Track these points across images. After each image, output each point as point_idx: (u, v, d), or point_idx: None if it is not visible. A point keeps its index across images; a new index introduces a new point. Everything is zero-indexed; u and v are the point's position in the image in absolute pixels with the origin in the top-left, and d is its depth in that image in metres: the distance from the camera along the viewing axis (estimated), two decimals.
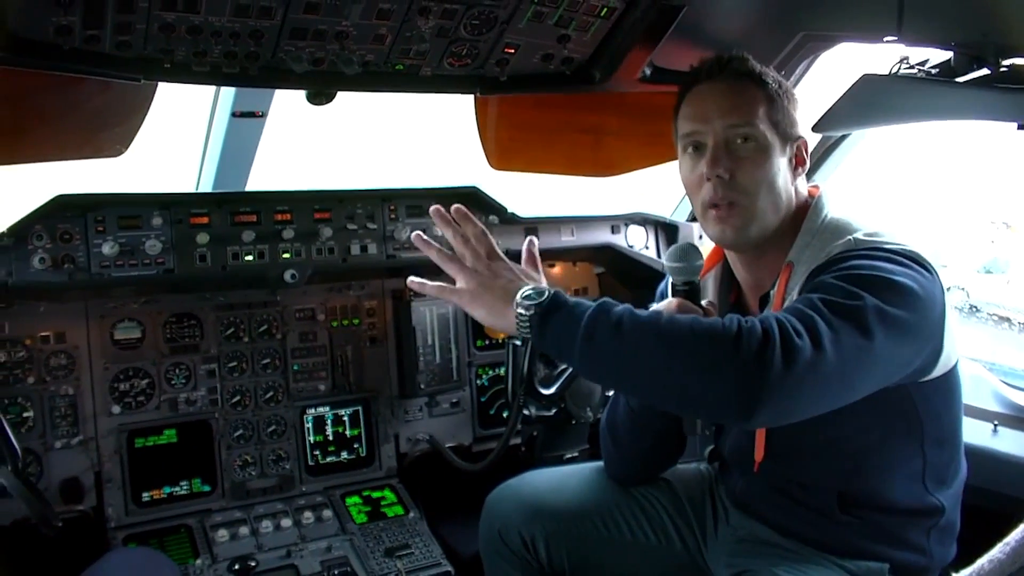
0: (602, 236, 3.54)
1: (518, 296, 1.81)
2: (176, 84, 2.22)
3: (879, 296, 1.68)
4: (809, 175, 2.18)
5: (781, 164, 2.00)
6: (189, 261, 2.80)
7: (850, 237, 1.87)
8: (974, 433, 2.75)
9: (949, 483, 2.04)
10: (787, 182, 2.02)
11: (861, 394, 1.71)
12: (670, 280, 2.04)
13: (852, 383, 1.68)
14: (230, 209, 2.86)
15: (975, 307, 3.31)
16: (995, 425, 2.81)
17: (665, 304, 1.99)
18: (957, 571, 2.03)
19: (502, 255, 2.04)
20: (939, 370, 1.90)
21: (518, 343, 2.88)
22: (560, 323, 1.74)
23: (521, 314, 1.79)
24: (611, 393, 2.41)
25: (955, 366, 1.97)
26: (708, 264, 2.22)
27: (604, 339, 1.67)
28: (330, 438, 3.28)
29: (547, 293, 1.79)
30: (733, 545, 2.24)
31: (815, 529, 2.05)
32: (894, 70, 2.24)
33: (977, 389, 2.90)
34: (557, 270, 3.75)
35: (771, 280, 2.04)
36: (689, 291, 2.00)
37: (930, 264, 1.83)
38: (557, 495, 2.42)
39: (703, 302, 2.05)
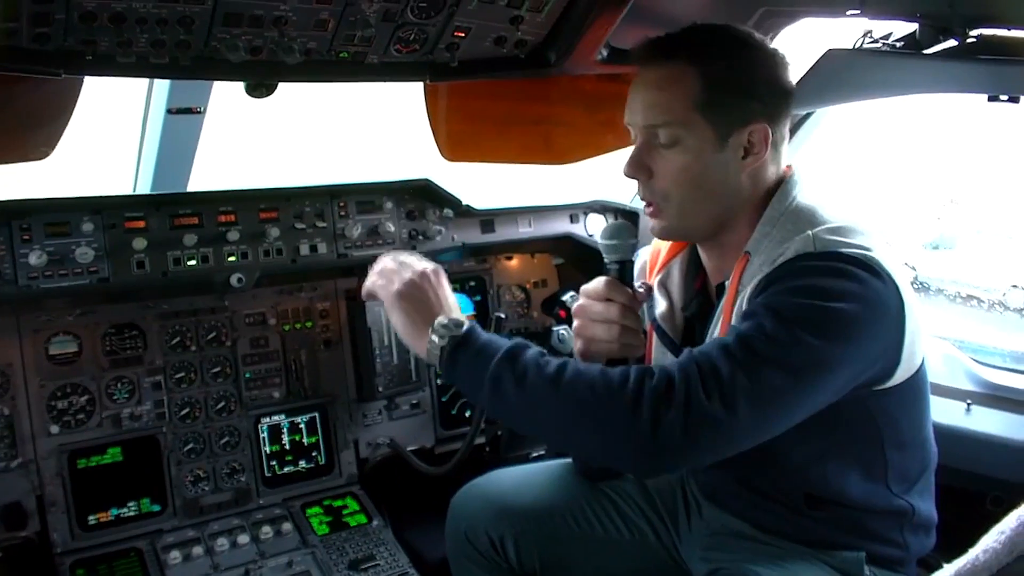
0: (561, 226, 3.45)
1: (435, 322, 1.83)
2: (102, 78, 2.05)
3: (816, 332, 1.62)
4: None
5: (716, 161, 1.87)
6: (125, 269, 2.64)
7: (808, 233, 1.76)
8: (947, 414, 2.72)
9: (915, 482, 1.98)
10: (728, 178, 1.89)
11: (784, 429, 1.67)
12: (603, 256, 1.98)
13: (770, 428, 1.66)
14: (169, 212, 2.70)
15: (925, 284, 3.29)
16: (968, 404, 2.77)
17: (596, 282, 1.95)
18: (940, 558, 2.03)
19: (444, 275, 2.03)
20: (898, 378, 1.82)
21: None
22: (469, 362, 1.75)
23: (433, 341, 1.81)
24: None
25: (920, 367, 1.89)
26: (676, 248, 2.14)
27: (508, 388, 1.67)
28: (287, 447, 3.14)
29: (464, 327, 1.80)
30: (707, 539, 2.17)
31: (787, 523, 1.98)
32: (858, 44, 2.17)
33: (948, 368, 2.86)
34: (515, 263, 3.64)
35: (730, 266, 1.94)
36: (620, 270, 1.96)
37: (886, 270, 1.72)
38: (524, 493, 2.35)
39: (637, 284, 2.01)
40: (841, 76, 2.19)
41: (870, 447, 1.89)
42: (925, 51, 2.05)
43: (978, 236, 3.52)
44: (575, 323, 2.00)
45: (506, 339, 1.77)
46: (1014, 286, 3.17)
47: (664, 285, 2.15)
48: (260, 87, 2.15)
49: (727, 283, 1.91)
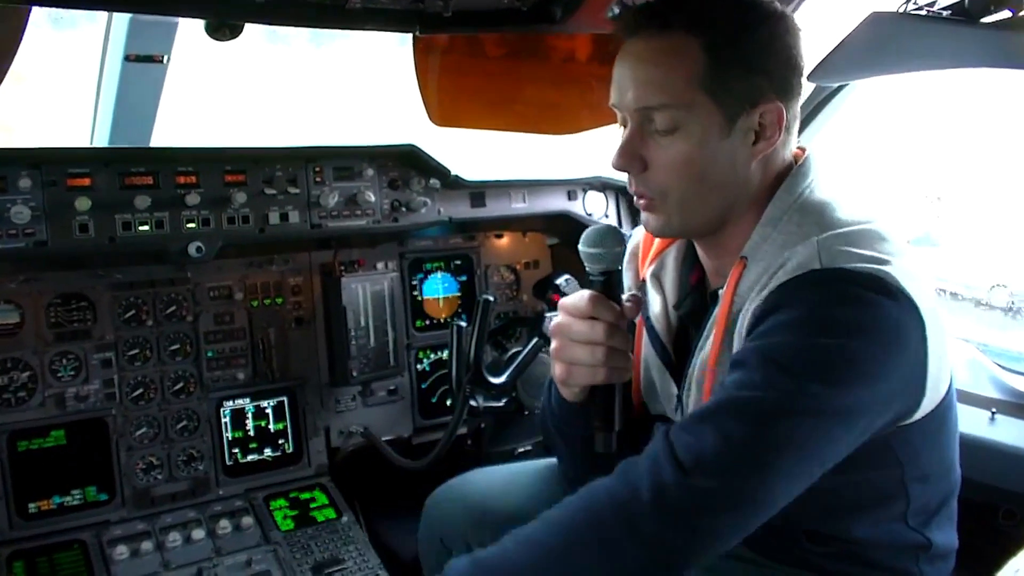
0: (557, 203, 3.19)
1: None
2: (42, 7, 1.76)
3: (823, 378, 1.43)
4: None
5: (722, 148, 1.59)
6: (66, 232, 2.35)
7: (814, 241, 1.53)
8: (970, 423, 2.49)
9: (936, 513, 1.75)
10: (736, 168, 1.62)
11: (805, 488, 1.49)
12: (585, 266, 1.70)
13: (789, 493, 1.47)
14: (119, 169, 2.41)
15: None
16: (992, 413, 2.56)
17: (577, 298, 1.67)
18: None
19: None
20: (924, 409, 1.58)
21: (463, 323, 2.53)
22: None
23: None
24: None
25: (947, 394, 1.65)
26: (667, 240, 1.88)
27: None
28: (251, 433, 2.88)
29: None
30: (712, 563, 1.93)
31: (789, 554, 1.76)
32: (902, 9, 1.92)
33: (972, 374, 2.64)
34: (505, 241, 3.39)
35: (729, 269, 1.69)
36: (606, 282, 1.68)
37: (903, 290, 1.47)
38: (506, 496, 2.14)
39: (624, 296, 1.72)
40: (886, 43, 1.91)
41: (888, 484, 1.66)
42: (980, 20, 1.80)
43: (963, 233, 3.41)
44: (553, 344, 1.72)
45: None
46: (997, 285, 3.08)
47: (657, 277, 1.90)
48: (223, 27, 1.86)
49: (720, 292, 1.67)
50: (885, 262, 1.48)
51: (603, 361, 1.66)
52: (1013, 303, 3.09)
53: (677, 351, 1.87)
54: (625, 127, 1.66)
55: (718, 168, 1.61)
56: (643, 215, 1.71)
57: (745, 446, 1.41)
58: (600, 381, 1.69)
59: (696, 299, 1.84)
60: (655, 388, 1.91)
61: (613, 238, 1.68)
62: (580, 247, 1.69)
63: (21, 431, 2.54)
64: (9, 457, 2.52)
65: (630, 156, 1.63)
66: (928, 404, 1.58)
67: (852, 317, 1.44)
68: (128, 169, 2.42)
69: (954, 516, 1.82)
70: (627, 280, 1.93)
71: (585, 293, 1.68)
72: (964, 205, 3.43)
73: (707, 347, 1.70)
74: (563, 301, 1.71)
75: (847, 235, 1.53)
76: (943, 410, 1.65)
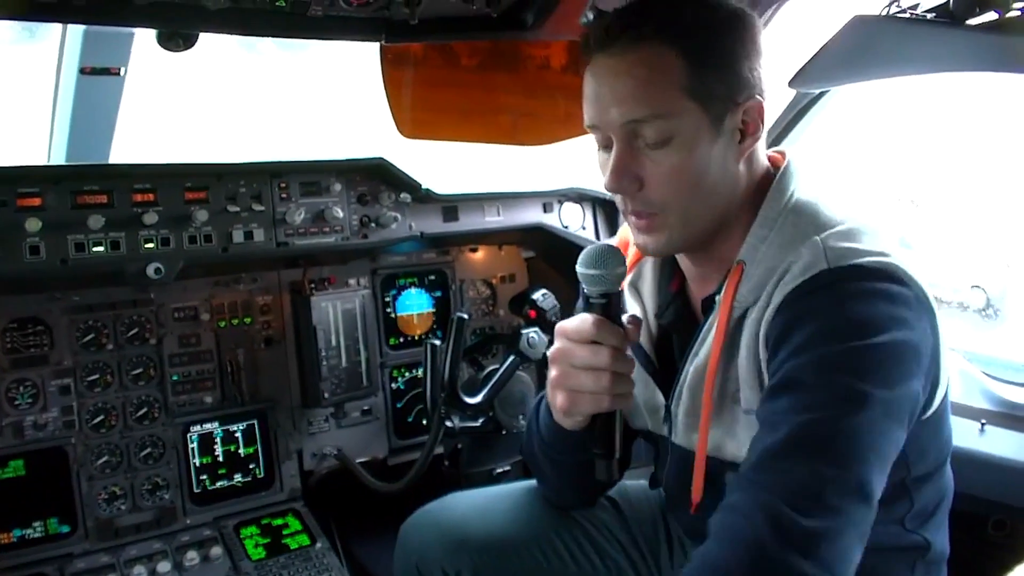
0: (532, 215, 3.11)
1: None
2: None
3: (871, 379, 1.40)
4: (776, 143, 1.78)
5: (713, 152, 1.56)
6: (16, 254, 2.24)
7: (816, 240, 1.51)
8: (959, 435, 2.44)
9: (934, 513, 1.73)
10: (727, 170, 1.59)
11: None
12: (582, 288, 1.62)
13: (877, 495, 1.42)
14: (71, 187, 2.30)
15: None
16: (982, 424, 2.51)
17: (579, 322, 1.58)
18: None
19: None
20: (933, 405, 1.58)
21: (436, 342, 2.45)
22: None
23: None
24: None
25: (947, 390, 1.65)
26: None
27: None
28: (220, 459, 2.77)
29: None
30: None
31: None
32: (884, 12, 1.87)
33: (962, 385, 2.59)
34: (480, 255, 3.30)
35: (719, 276, 1.65)
36: (607, 305, 1.58)
37: (910, 276, 1.48)
38: (484, 521, 2.06)
39: (625, 316, 1.64)
40: (869, 47, 1.86)
41: (894, 485, 1.59)
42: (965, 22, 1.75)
43: (937, 237, 3.41)
44: (553, 373, 1.63)
45: None
46: (974, 286, 3.08)
47: (635, 287, 1.85)
48: (175, 37, 1.77)
49: (718, 298, 1.62)
50: (887, 254, 1.48)
51: (608, 388, 1.58)
52: (990, 304, 3.09)
53: (660, 361, 1.82)
54: (608, 148, 1.59)
55: (712, 173, 1.57)
56: (640, 237, 1.64)
57: (835, 467, 1.37)
58: (604, 409, 1.61)
59: (678, 307, 1.79)
60: (637, 401, 1.84)
61: (614, 258, 1.59)
62: (579, 268, 1.60)
63: None
64: None
65: (625, 175, 1.56)
66: (937, 399, 1.58)
67: (878, 312, 1.43)
68: (80, 187, 2.31)
69: (946, 521, 1.78)
70: None
71: (587, 317, 1.58)
72: (939, 208, 3.43)
73: (702, 354, 1.65)
74: (562, 325, 1.62)
75: (846, 232, 1.51)
76: (943, 408, 1.65)
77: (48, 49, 2.53)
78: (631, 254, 1.84)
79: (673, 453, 1.83)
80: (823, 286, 1.46)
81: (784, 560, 1.33)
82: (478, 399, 2.51)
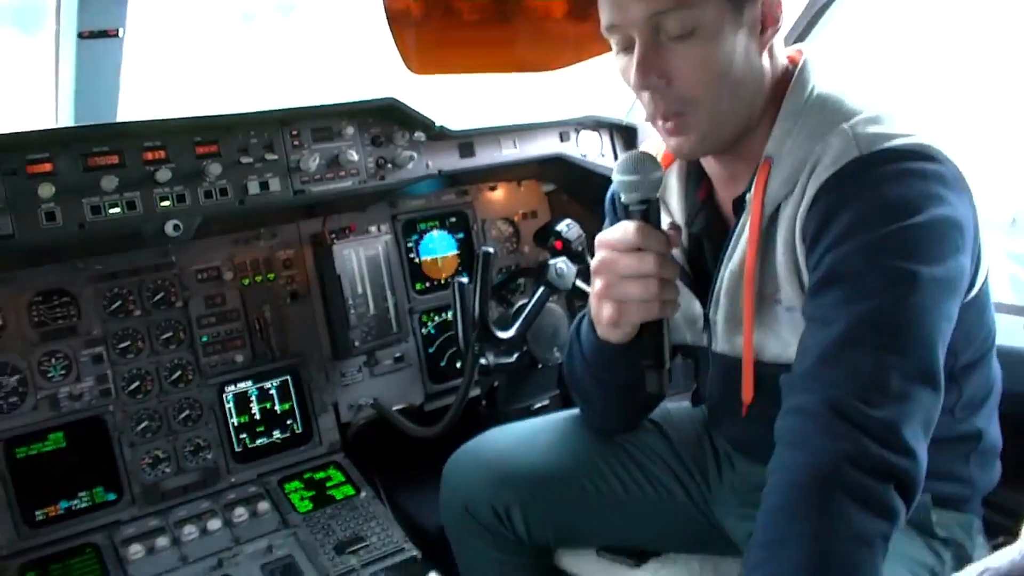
0: (549, 146, 3.03)
1: None
2: None
3: (921, 258, 1.38)
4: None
5: (738, 43, 1.50)
6: (32, 222, 2.20)
7: (845, 128, 1.47)
8: (1009, 333, 2.38)
9: (983, 403, 1.71)
10: (751, 62, 1.54)
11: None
12: (620, 197, 1.58)
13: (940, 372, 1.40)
14: (80, 150, 2.26)
15: None
16: None
17: (621, 231, 1.55)
18: (1006, 496, 1.78)
19: None
20: (976, 286, 1.55)
21: (464, 279, 2.41)
22: None
23: None
24: None
25: (987, 274, 1.62)
26: (668, 159, 1.78)
27: None
28: (257, 417, 2.76)
29: None
30: (744, 495, 1.89)
31: None
32: None
33: (1008, 283, 2.52)
34: (499, 193, 3.25)
35: (747, 176, 1.61)
36: (646, 211, 1.55)
37: (943, 154, 1.45)
38: (528, 454, 2.05)
39: (664, 223, 1.63)
40: None
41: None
42: None
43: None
44: (598, 285, 1.61)
45: None
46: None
47: (662, 199, 1.81)
48: None
49: (748, 196, 1.58)
50: (917, 134, 1.45)
51: (656, 295, 1.55)
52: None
53: (694, 271, 1.79)
54: (628, 50, 1.54)
55: (737, 64, 1.52)
56: (671, 140, 1.59)
57: (898, 353, 1.35)
58: (654, 316, 1.58)
59: (708, 213, 1.75)
60: None
61: (650, 163, 1.56)
62: (615, 176, 1.57)
63: (17, 438, 2.42)
64: (8, 466, 2.40)
65: (652, 70, 1.50)
66: (979, 279, 1.55)
67: (919, 191, 1.40)
68: (90, 149, 2.27)
69: (996, 413, 1.77)
70: None
71: (628, 224, 1.55)
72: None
73: (737, 257, 1.63)
74: (603, 235, 1.59)
75: (874, 118, 1.48)
76: (985, 291, 1.62)
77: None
78: None
79: (715, 363, 1.80)
80: (856, 173, 1.43)
81: (865, 453, 1.32)
82: (511, 333, 2.47)
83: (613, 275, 1.58)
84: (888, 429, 1.33)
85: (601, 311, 1.63)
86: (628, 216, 1.57)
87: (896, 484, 1.34)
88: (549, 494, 2.01)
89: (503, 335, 2.45)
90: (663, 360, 1.61)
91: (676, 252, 1.76)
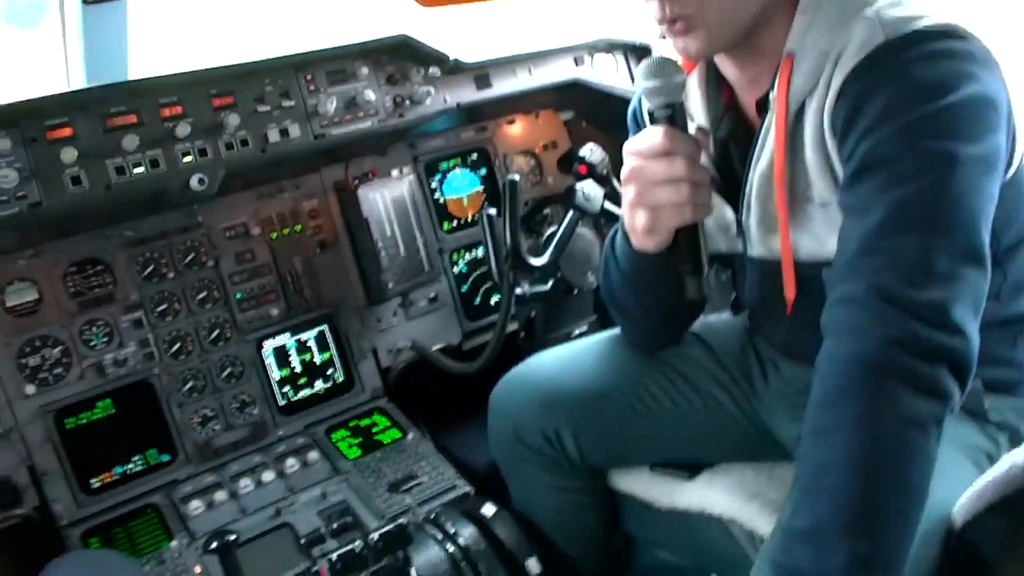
0: (565, 71, 2.98)
1: None
2: None
3: (957, 136, 1.35)
4: None
5: None
6: (59, 188, 2.20)
7: (868, 15, 1.42)
8: None
9: None
10: None
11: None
12: (644, 105, 1.58)
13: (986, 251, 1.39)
14: (98, 112, 2.24)
15: None
16: None
17: (649, 137, 1.53)
18: None
19: None
20: (1014, 165, 1.51)
21: (492, 211, 2.40)
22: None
23: None
24: None
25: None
26: (689, 64, 1.73)
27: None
28: (298, 369, 2.78)
29: None
30: (792, 398, 1.86)
31: None
32: None
33: None
34: (518, 127, 3.21)
35: (768, 75, 1.57)
36: (672, 116, 1.53)
37: (969, 32, 1.41)
38: (574, 376, 2.04)
39: (691, 127, 1.62)
40: None
41: None
42: None
43: None
44: (630, 194, 1.58)
45: None
46: None
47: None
48: None
49: (772, 95, 1.54)
50: (940, 15, 1.41)
51: (689, 198, 1.54)
52: None
53: (722, 177, 1.76)
54: None
55: None
56: (680, 42, 1.54)
57: (941, 235, 1.34)
58: (688, 220, 1.57)
59: (733, 117, 1.72)
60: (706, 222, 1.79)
61: (671, 66, 1.54)
62: (638, 81, 1.55)
63: (66, 408, 2.46)
64: (60, 436, 2.44)
65: None
66: (1016, 157, 1.51)
67: (950, 70, 1.37)
68: (108, 110, 2.26)
69: None
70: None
71: (655, 129, 1.54)
72: None
73: (766, 158, 1.60)
74: (631, 143, 1.57)
75: (895, 1, 1.43)
76: (1022, 171, 1.57)
77: None
78: None
79: (752, 268, 1.79)
80: (884, 58, 1.39)
81: (914, 336, 1.30)
82: (544, 259, 2.46)
83: (644, 182, 1.56)
84: (937, 310, 1.31)
85: (635, 220, 1.61)
86: (654, 123, 1.55)
87: (948, 365, 1.33)
88: (598, 414, 2.01)
89: (536, 262, 2.44)
90: (701, 265, 1.61)
91: (704, 158, 1.74)
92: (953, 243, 1.34)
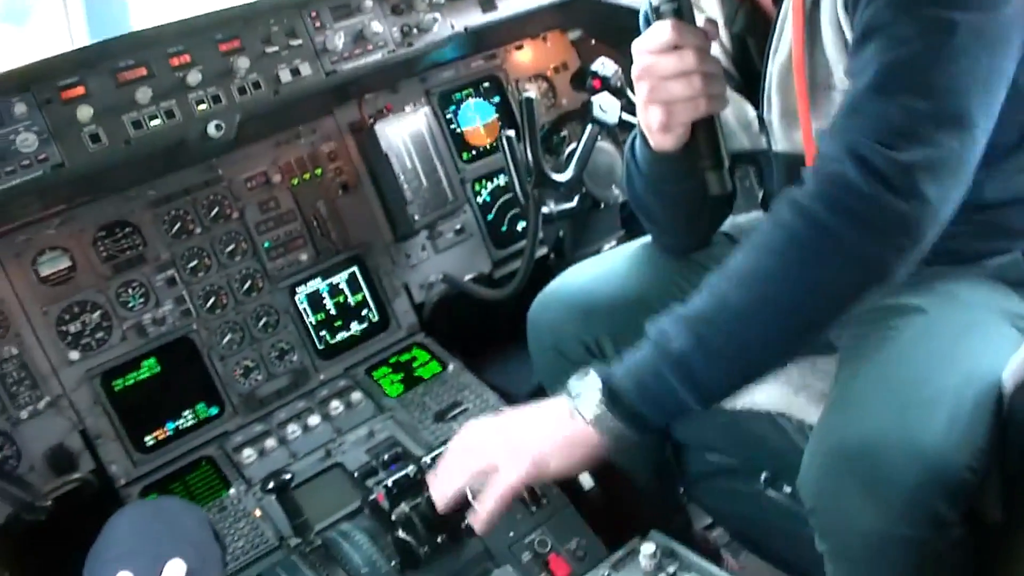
0: None
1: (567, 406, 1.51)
2: None
3: (962, 6, 1.31)
4: None
5: None
6: (79, 147, 2.20)
7: None
8: None
9: None
10: None
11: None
12: (651, 2, 1.53)
13: (985, 122, 1.36)
14: (108, 67, 2.24)
15: None
16: None
17: (656, 32, 1.51)
18: None
19: None
20: None
21: (510, 132, 2.37)
22: (642, 397, 1.46)
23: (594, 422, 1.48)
24: None
25: None
26: None
27: (703, 371, 1.41)
28: (333, 312, 2.79)
29: (594, 385, 1.50)
30: None
31: None
32: None
33: None
34: (527, 52, 3.18)
35: None
36: (678, 9, 1.50)
37: None
38: (609, 285, 2.04)
39: (700, 19, 1.57)
40: None
41: (1013, 131, 1.55)
42: None
43: None
44: (643, 91, 1.56)
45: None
46: None
47: (697, 5, 1.73)
48: None
49: None
50: None
51: (702, 90, 1.52)
52: None
53: (741, 73, 1.74)
54: None
55: None
56: None
57: (928, 99, 1.31)
58: (703, 113, 1.55)
59: (747, 10, 1.69)
60: (727, 120, 1.78)
61: None
62: None
63: (112, 370, 2.50)
64: (109, 398, 2.48)
65: None
66: None
67: None
68: (117, 65, 2.25)
69: None
70: None
71: (662, 23, 1.51)
72: None
73: (784, 48, 1.57)
74: (639, 41, 1.55)
75: None
76: None
77: None
78: None
79: (778, 163, 1.76)
80: None
81: (875, 197, 1.30)
82: (567, 174, 2.44)
83: (655, 78, 1.53)
84: (907, 174, 1.30)
85: (650, 118, 1.60)
86: (660, 16, 1.52)
87: (896, 229, 1.33)
88: (636, 321, 1.95)
89: (560, 178, 2.42)
90: (721, 158, 1.59)
91: (717, 50, 1.70)
92: (939, 108, 1.32)
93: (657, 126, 1.59)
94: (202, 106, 2.33)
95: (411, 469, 1.92)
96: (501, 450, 1.53)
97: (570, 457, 1.51)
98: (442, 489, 1.60)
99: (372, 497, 1.93)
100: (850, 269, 1.35)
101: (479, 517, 1.54)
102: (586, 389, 1.49)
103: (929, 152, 1.30)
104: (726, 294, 1.42)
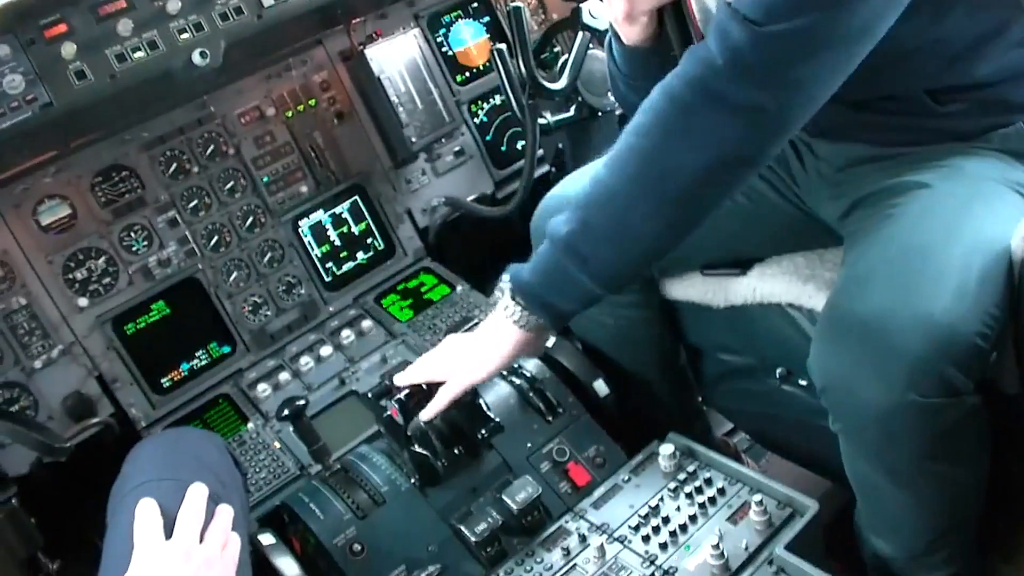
0: None
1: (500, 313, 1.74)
2: None
3: None
4: None
5: None
6: (65, 85, 2.17)
7: None
8: None
9: None
10: None
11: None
12: None
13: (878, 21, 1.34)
14: (89, 2, 2.20)
15: None
16: None
17: None
18: None
19: None
20: None
21: (501, 45, 2.33)
22: (545, 286, 1.65)
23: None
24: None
25: None
26: None
27: (591, 252, 1.57)
28: (337, 243, 2.78)
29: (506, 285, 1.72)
30: (832, 176, 1.84)
31: (919, 131, 1.65)
32: None
33: None
34: None
35: None
36: None
37: None
38: None
39: None
40: None
41: (1003, 7, 1.54)
42: None
43: None
44: None
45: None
46: None
47: None
48: None
49: None
50: None
51: None
52: None
53: None
54: None
55: None
56: None
57: None
58: None
59: None
60: None
61: None
62: None
63: (122, 315, 2.50)
64: (122, 343, 2.49)
65: None
66: None
67: None
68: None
69: None
70: None
71: None
72: None
73: None
74: None
75: None
76: None
77: None
78: None
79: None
80: None
81: (734, 74, 1.36)
82: (562, 82, 2.40)
83: None
84: (766, 53, 1.33)
85: (614, 8, 1.59)
86: None
87: (751, 107, 1.37)
88: None
89: (554, 86, 2.38)
90: (690, 39, 1.57)
91: None
92: None
93: (623, 17, 1.59)
94: (184, 35, 2.28)
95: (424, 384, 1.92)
96: (451, 363, 1.84)
97: (502, 357, 1.77)
98: (403, 379, 1.90)
99: (387, 414, 1.94)
100: (710, 142, 1.41)
101: (426, 411, 1.84)
102: (504, 290, 1.66)
103: (805, 30, 1.30)
104: (604, 178, 1.54)
